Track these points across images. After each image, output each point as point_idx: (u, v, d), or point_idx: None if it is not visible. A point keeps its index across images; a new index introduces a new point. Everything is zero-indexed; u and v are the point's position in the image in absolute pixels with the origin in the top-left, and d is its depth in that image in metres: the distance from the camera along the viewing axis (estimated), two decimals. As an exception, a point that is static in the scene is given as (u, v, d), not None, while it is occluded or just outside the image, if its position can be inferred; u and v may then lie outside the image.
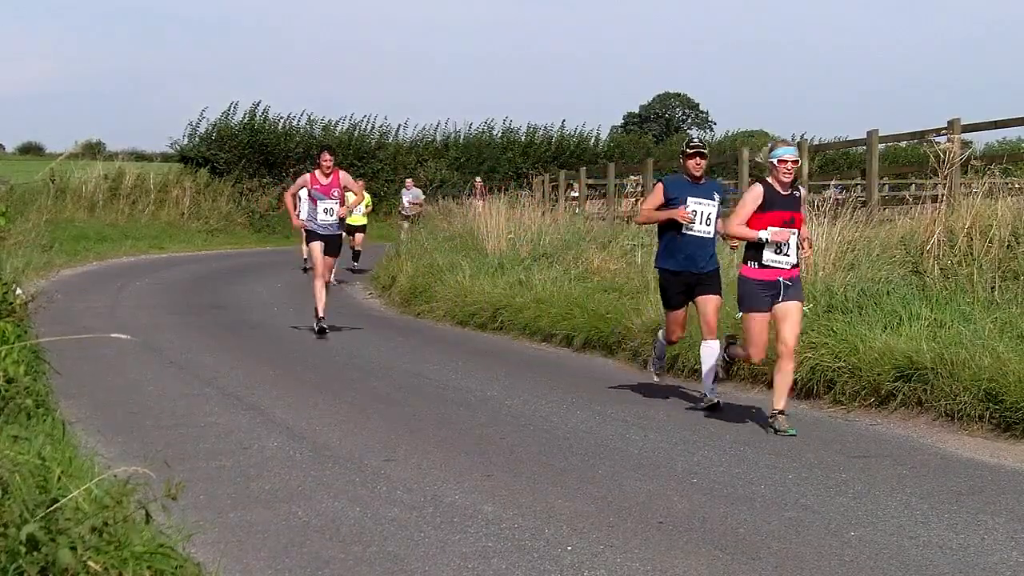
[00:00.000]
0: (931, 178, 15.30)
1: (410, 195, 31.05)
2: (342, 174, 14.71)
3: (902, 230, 12.13)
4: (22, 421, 5.90)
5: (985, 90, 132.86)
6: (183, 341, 13.87)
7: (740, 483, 6.94)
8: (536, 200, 23.67)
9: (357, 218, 24.92)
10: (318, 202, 14.43)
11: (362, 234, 26.08)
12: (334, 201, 14.37)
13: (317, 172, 14.47)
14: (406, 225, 28.94)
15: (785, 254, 8.62)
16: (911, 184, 27.16)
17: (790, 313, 8.59)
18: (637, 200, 22.24)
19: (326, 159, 14.52)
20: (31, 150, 76.75)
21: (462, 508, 6.33)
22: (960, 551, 5.56)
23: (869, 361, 9.17)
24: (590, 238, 17.88)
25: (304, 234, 16.18)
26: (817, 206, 12.85)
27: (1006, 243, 10.63)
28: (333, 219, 14.42)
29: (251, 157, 41.76)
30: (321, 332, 14.22)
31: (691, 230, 9.56)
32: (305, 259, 23.57)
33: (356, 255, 25.88)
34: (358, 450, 7.84)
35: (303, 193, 20.55)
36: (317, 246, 14.55)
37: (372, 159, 43.29)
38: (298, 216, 15.28)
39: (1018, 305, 9.57)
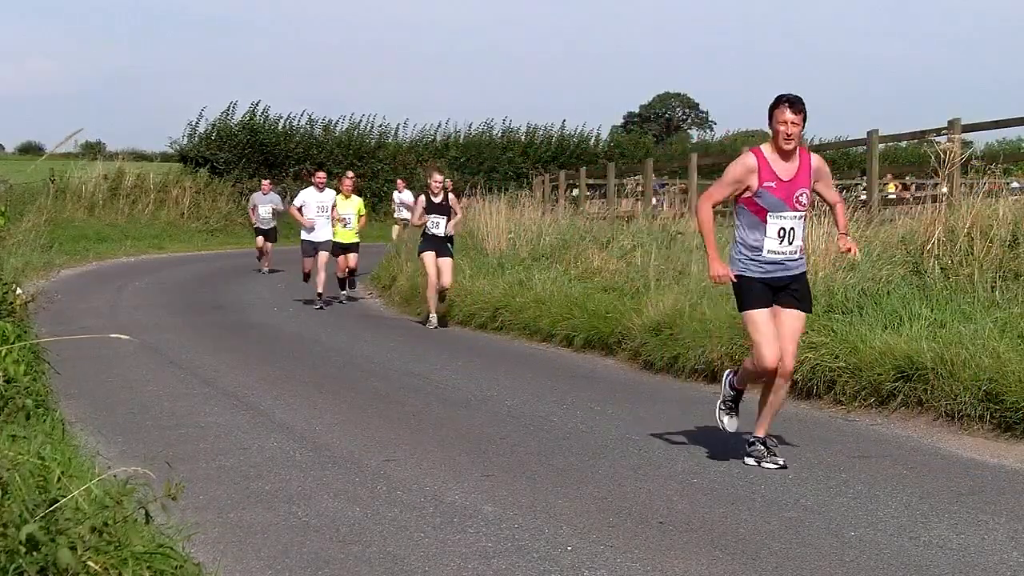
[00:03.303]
0: (932, 177, 15.31)
1: (401, 197, 27.65)
2: (814, 158, 7.53)
3: (902, 230, 12.11)
4: (21, 421, 5.90)
5: (985, 90, 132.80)
6: (183, 341, 13.87)
7: (740, 483, 6.93)
8: (536, 200, 23.66)
9: (347, 233, 19.28)
10: (768, 216, 7.30)
11: (355, 254, 19.59)
12: (798, 216, 7.40)
13: (766, 150, 7.35)
14: (396, 228, 26.94)
15: None
16: (911, 184, 27.21)
17: None
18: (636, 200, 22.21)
19: (788, 119, 7.20)
20: (31, 150, 76.85)
21: (462, 508, 6.33)
22: (960, 551, 5.55)
23: (869, 361, 9.16)
24: (590, 238, 17.86)
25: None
26: (816, 206, 12.82)
27: (1007, 243, 10.62)
28: (795, 249, 7.38)
29: (251, 157, 41.81)
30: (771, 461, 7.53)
31: None
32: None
33: (351, 281, 19.95)
34: (358, 450, 7.84)
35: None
36: (760, 307, 7.39)
37: (372, 159, 43.32)
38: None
39: (1018, 305, 9.55)
